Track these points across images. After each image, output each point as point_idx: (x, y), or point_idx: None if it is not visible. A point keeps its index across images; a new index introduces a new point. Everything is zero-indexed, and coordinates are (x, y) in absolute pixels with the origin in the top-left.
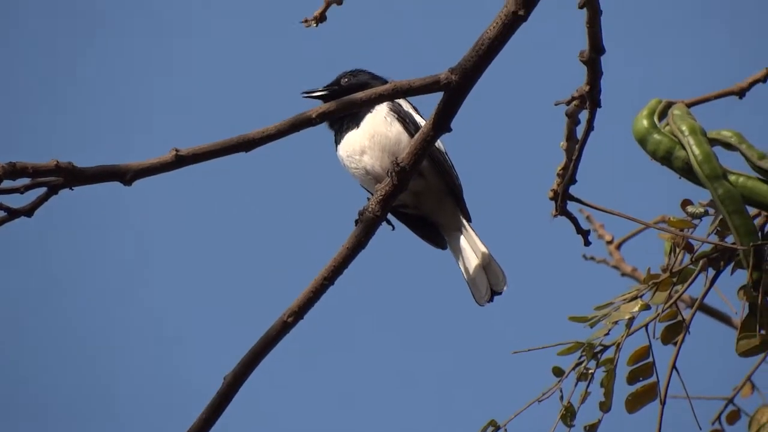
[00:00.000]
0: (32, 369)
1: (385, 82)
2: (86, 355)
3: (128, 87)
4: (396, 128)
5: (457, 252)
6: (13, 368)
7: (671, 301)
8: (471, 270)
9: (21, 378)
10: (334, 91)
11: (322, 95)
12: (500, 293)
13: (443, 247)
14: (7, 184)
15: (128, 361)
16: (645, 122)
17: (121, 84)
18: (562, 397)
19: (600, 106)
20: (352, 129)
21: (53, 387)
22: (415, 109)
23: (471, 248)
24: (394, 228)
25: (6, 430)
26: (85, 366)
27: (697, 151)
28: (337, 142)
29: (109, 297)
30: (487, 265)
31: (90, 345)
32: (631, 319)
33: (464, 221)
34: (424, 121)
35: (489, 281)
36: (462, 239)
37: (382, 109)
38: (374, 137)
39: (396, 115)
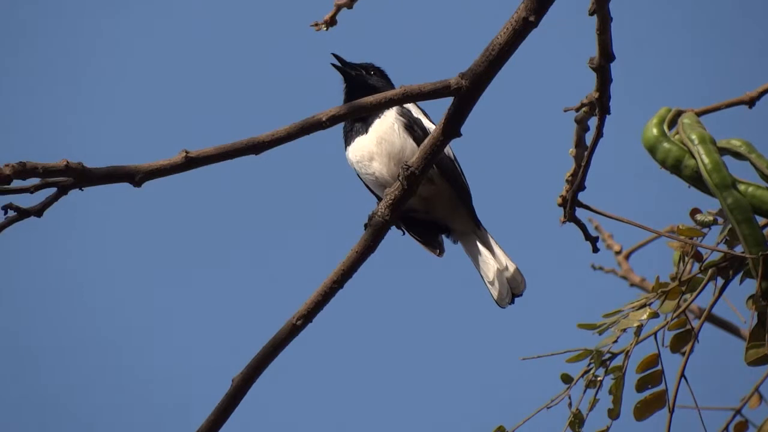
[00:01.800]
0: (36, 370)
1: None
2: (95, 354)
3: (138, 88)
4: (402, 136)
5: (475, 256)
6: (18, 370)
7: (680, 310)
8: (490, 274)
9: (25, 380)
10: (358, 76)
11: (345, 72)
12: (520, 295)
13: (440, 255)
14: (17, 184)
15: (138, 361)
16: (655, 130)
17: (130, 85)
18: (570, 404)
19: (609, 113)
20: (361, 133)
21: (57, 389)
22: (425, 114)
23: (489, 253)
24: (404, 233)
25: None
26: (94, 366)
27: (706, 160)
28: (347, 144)
29: (119, 296)
30: (506, 268)
31: (99, 345)
32: (640, 327)
33: (476, 226)
34: (433, 126)
35: (510, 284)
36: (478, 243)
37: (390, 115)
38: (381, 144)
39: (404, 121)
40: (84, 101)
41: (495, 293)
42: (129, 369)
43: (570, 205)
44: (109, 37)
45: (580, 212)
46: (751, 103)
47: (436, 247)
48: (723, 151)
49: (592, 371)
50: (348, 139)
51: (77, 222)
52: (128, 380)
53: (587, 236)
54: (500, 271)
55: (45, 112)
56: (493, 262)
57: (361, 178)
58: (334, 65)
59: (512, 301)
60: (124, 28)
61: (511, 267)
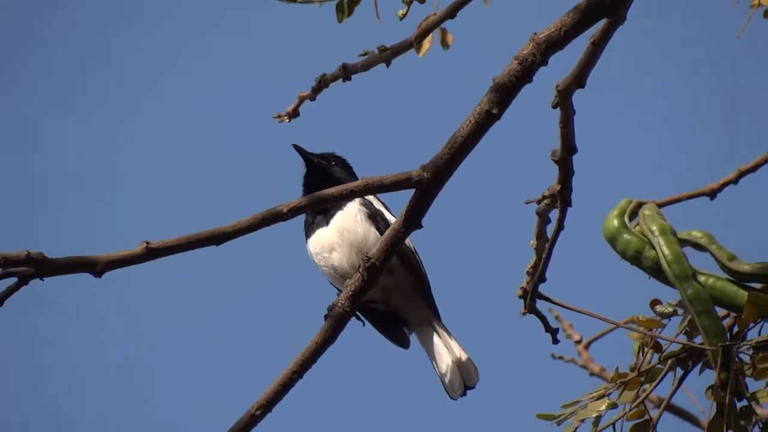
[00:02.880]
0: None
1: (356, 178)
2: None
3: (98, 176)
4: (365, 225)
5: (429, 347)
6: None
7: (639, 400)
8: (443, 365)
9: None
10: (320, 165)
11: (308, 161)
12: (473, 387)
13: (406, 347)
14: None
15: None
16: (615, 222)
17: (90, 173)
18: None
19: (571, 206)
20: (321, 225)
21: None
22: (385, 206)
23: (443, 344)
24: (364, 324)
25: None
26: None
27: (666, 251)
28: (307, 236)
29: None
30: (459, 360)
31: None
32: (598, 418)
33: (434, 317)
34: (394, 218)
35: (462, 376)
36: (433, 335)
37: (352, 206)
38: (343, 234)
39: (366, 212)
40: (44, 190)
41: (446, 384)
42: None
43: (530, 296)
44: (71, 123)
45: (540, 304)
46: (712, 195)
47: (402, 340)
48: (684, 242)
49: None
50: (309, 232)
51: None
52: None
53: (547, 328)
54: (453, 363)
55: (5, 199)
56: (446, 353)
57: (320, 270)
58: (296, 148)
59: (464, 393)
60: (93, 114)
61: (464, 358)
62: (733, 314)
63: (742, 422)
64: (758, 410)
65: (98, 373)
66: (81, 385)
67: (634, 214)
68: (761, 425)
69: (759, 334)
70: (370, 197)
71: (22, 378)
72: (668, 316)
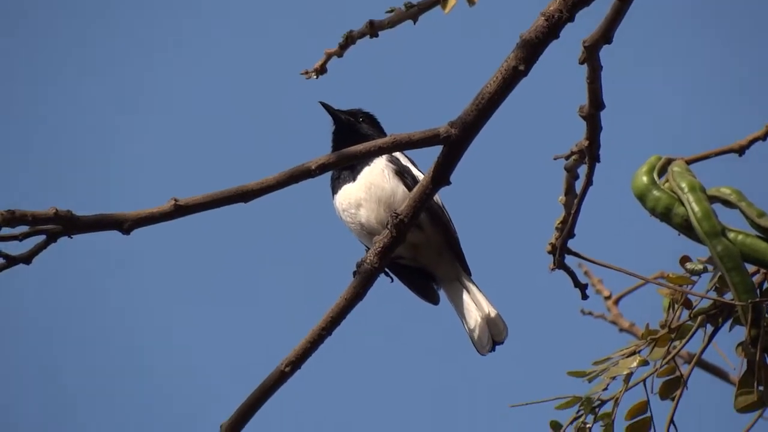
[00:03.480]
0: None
1: (384, 134)
2: (68, 394)
3: (126, 135)
4: (393, 181)
5: (458, 303)
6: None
7: (669, 357)
8: (472, 321)
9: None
10: (348, 122)
11: (335, 117)
12: (502, 343)
13: (436, 303)
14: (6, 231)
15: (125, 405)
16: (644, 178)
17: (119, 132)
18: None
19: (599, 161)
20: (348, 181)
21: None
22: (413, 162)
23: (471, 300)
24: (393, 280)
25: None
26: (69, 404)
27: (696, 208)
28: (334, 192)
29: (102, 344)
30: (488, 315)
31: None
32: (629, 375)
33: (463, 273)
34: (421, 175)
35: (490, 331)
36: (462, 291)
37: (379, 162)
38: (371, 189)
39: (394, 168)
40: (74, 149)
41: (475, 340)
42: (113, 413)
43: (559, 252)
44: (98, 86)
45: (569, 259)
46: (741, 151)
47: (432, 296)
48: (713, 199)
49: (581, 418)
50: (335, 187)
51: (68, 263)
52: (112, 426)
53: (576, 283)
54: (482, 318)
55: (35, 159)
56: (474, 309)
57: (347, 227)
58: (324, 106)
59: (493, 349)
60: (111, 72)
61: (493, 314)
62: (763, 270)
63: None
64: None
65: (125, 327)
66: (105, 339)
67: (663, 171)
68: None
69: None
70: (398, 154)
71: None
72: (698, 272)
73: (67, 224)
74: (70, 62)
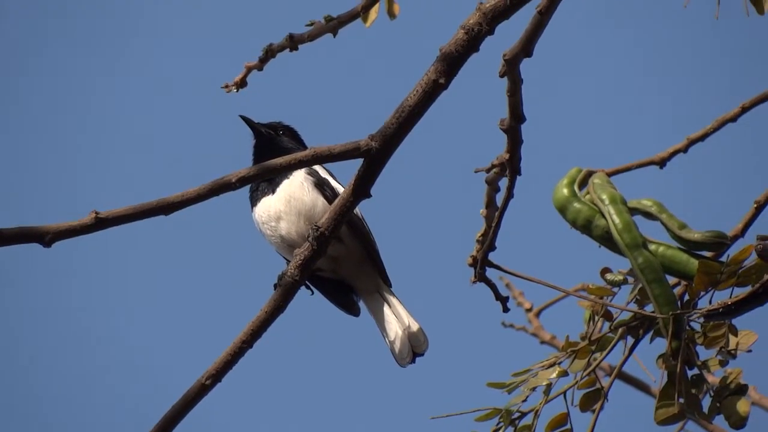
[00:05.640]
0: None
1: (305, 146)
2: None
3: (47, 145)
4: (312, 193)
5: (378, 315)
6: None
7: (590, 369)
8: (392, 333)
9: None
10: (268, 135)
11: (256, 131)
12: (422, 354)
13: (356, 315)
14: None
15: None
16: (565, 191)
17: (40, 142)
18: None
19: (520, 174)
20: (267, 194)
21: None
22: (331, 174)
23: (392, 312)
24: (313, 293)
25: None
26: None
27: (617, 220)
28: (253, 204)
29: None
30: (408, 327)
31: None
32: (549, 386)
33: (384, 285)
34: (341, 187)
35: (411, 343)
36: (382, 303)
37: (298, 175)
38: (290, 202)
39: (313, 180)
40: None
41: (396, 352)
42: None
43: (480, 265)
44: (28, 91)
45: (490, 272)
46: (662, 163)
47: (352, 308)
48: (634, 211)
49: (501, 430)
50: (254, 200)
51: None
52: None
53: (497, 296)
54: (402, 331)
55: None
56: (395, 321)
57: (267, 240)
58: (244, 119)
59: (413, 361)
60: (38, 81)
61: (414, 326)
62: (684, 283)
63: (693, 390)
64: (709, 378)
65: (52, 344)
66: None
67: (584, 183)
68: (712, 393)
69: (710, 303)
70: (316, 167)
71: None
72: (619, 284)
73: None
74: None
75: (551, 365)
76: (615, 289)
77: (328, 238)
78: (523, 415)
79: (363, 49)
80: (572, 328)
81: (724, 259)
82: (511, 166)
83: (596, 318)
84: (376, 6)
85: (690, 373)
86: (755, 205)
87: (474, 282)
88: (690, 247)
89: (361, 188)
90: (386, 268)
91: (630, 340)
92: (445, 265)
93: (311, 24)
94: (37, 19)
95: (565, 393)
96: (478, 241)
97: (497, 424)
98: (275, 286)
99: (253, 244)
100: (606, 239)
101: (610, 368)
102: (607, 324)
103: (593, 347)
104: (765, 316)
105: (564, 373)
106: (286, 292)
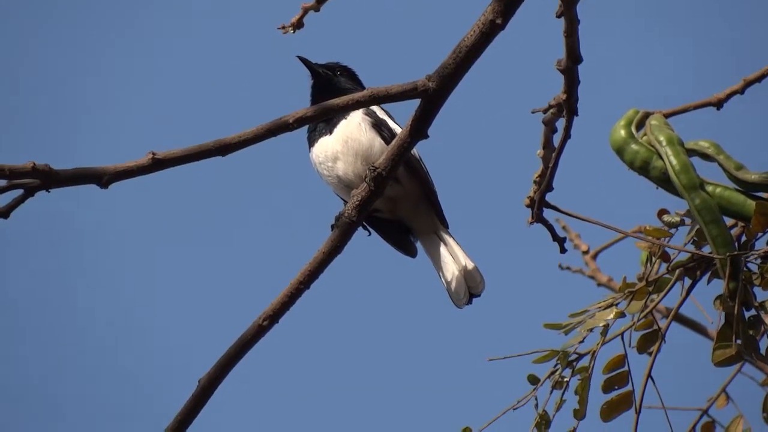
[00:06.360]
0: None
1: (362, 87)
2: (61, 355)
3: (104, 90)
4: (370, 134)
5: (435, 256)
6: None
7: (647, 310)
8: (449, 273)
9: None
10: (326, 76)
11: (313, 72)
12: (479, 295)
13: (413, 256)
14: None
15: (104, 362)
16: (622, 132)
17: (97, 87)
18: (537, 405)
19: (577, 115)
20: (325, 134)
21: (26, 392)
22: (389, 116)
23: (448, 252)
24: (370, 233)
25: None
26: (60, 367)
27: (674, 162)
28: (310, 145)
29: (85, 299)
30: (465, 268)
31: (66, 346)
32: (606, 327)
33: (441, 226)
34: (398, 128)
35: (467, 284)
36: (439, 244)
37: (356, 115)
38: (348, 142)
39: (370, 121)
40: (53, 104)
41: (452, 292)
42: (94, 368)
43: (537, 206)
44: (75, 40)
45: (547, 213)
46: (718, 104)
47: (409, 249)
48: (691, 152)
49: (558, 372)
50: (312, 140)
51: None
52: (94, 379)
53: (555, 237)
54: (459, 271)
55: (10, 113)
56: (451, 261)
57: (324, 180)
58: (302, 60)
59: (470, 302)
60: (88, 28)
61: (470, 266)
62: (741, 224)
63: (751, 332)
64: (766, 320)
65: (101, 286)
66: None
67: (641, 125)
68: None
69: (767, 244)
70: (375, 108)
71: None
72: (676, 225)
73: (45, 178)
74: (48, 13)
75: (608, 306)
76: (672, 231)
77: (385, 178)
78: (581, 356)
79: None
80: (629, 270)
81: None
82: (568, 106)
83: (653, 259)
84: None
85: (747, 314)
86: None
87: (531, 223)
88: (747, 188)
89: (419, 129)
90: (443, 209)
91: (687, 282)
92: (502, 206)
93: None
94: None
95: (622, 335)
96: (535, 182)
97: (554, 365)
98: (332, 226)
99: (308, 186)
100: (663, 180)
101: (667, 310)
102: (664, 265)
103: (650, 289)
104: None
105: (621, 315)
106: (343, 233)
